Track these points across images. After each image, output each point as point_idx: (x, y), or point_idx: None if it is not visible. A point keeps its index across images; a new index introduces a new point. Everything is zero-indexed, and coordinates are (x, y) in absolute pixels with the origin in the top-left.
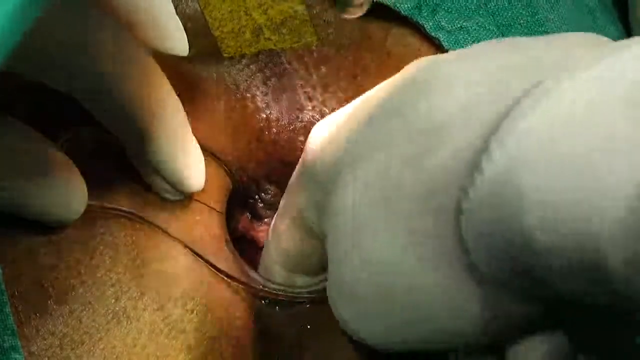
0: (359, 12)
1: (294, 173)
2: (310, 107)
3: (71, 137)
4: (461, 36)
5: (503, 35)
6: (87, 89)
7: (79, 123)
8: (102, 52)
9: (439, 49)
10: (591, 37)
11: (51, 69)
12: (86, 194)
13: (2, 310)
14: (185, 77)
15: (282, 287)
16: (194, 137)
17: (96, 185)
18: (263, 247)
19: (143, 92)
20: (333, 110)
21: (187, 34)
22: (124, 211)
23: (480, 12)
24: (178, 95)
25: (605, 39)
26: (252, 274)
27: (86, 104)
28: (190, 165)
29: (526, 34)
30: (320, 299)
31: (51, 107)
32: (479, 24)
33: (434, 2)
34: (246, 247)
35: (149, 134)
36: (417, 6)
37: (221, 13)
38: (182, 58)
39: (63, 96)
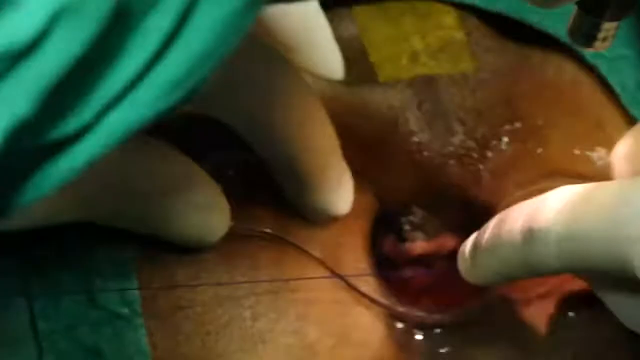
0: (604, 46)
1: None
2: (462, 132)
3: (216, 158)
4: (622, 64)
5: None
6: (240, 116)
7: (225, 145)
8: (258, 80)
9: (598, 77)
10: None
11: (207, 98)
12: (229, 217)
13: (136, 333)
14: (339, 101)
15: (424, 313)
16: (344, 162)
17: (238, 206)
18: (407, 269)
19: (297, 118)
20: (484, 136)
21: (343, 59)
22: (267, 232)
23: None
24: (331, 119)
25: None
26: (395, 297)
27: (236, 128)
28: (339, 189)
29: None
30: (459, 324)
31: (196, 128)
32: None
33: None
34: (391, 271)
35: (300, 161)
36: None
37: (379, 38)
38: (337, 82)
39: (208, 117)
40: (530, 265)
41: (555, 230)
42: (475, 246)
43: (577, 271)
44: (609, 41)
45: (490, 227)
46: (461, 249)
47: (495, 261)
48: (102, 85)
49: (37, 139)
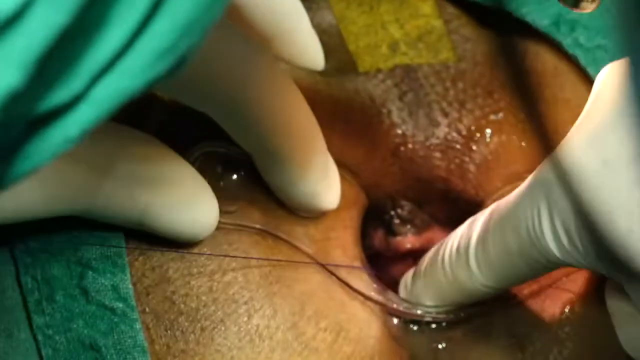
0: (591, 7)
1: None
2: (446, 124)
3: (202, 153)
4: (599, 54)
5: None
6: (221, 107)
7: (210, 139)
8: (235, 69)
9: (577, 66)
10: None
11: (185, 87)
12: (217, 210)
13: (132, 327)
14: (320, 91)
15: (418, 307)
16: (329, 154)
17: (228, 201)
18: (398, 263)
19: (277, 108)
20: (467, 128)
21: (322, 48)
22: (257, 228)
23: None
24: (313, 110)
25: None
26: (387, 292)
27: (219, 121)
28: (326, 182)
29: None
30: (455, 320)
31: (182, 122)
32: None
33: (573, 18)
34: (381, 264)
35: (284, 152)
36: (555, 23)
37: (357, 27)
38: (317, 72)
39: (193, 112)
40: (459, 282)
41: (473, 242)
42: (415, 274)
43: (498, 281)
44: (597, 2)
45: (428, 255)
46: (403, 278)
47: (431, 284)
48: (90, 54)
49: (29, 109)
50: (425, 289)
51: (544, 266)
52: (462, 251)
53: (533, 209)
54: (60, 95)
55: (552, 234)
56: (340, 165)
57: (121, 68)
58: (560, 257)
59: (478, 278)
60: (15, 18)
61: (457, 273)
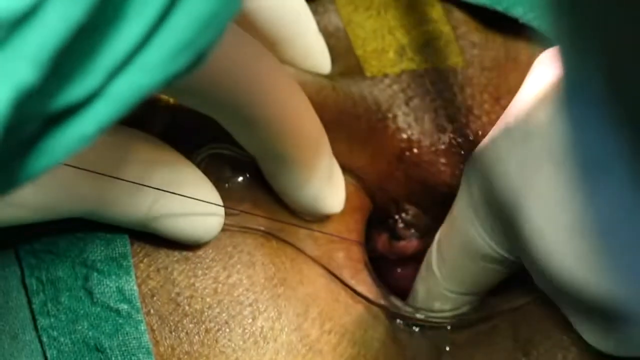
0: None
1: None
2: (451, 129)
3: (207, 155)
4: None
5: None
6: (225, 110)
7: (215, 141)
8: (241, 72)
9: None
10: None
11: (190, 90)
12: (223, 213)
13: (137, 328)
14: (326, 95)
15: (421, 310)
16: (334, 158)
17: (233, 203)
18: (401, 267)
19: (282, 112)
20: (474, 133)
21: (329, 52)
22: (262, 230)
23: None
24: (318, 114)
25: None
26: (391, 296)
27: (223, 123)
28: (330, 186)
29: None
30: (459, 324)
31: (187, 124)
32: None
33: None
34: (384, 268)
35: (288, 155)
36: None
37: (364, 32)
38: (323, 76)
39: (198, 114)
40: (429, 289)
41: (434, 246)
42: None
43: (458, 284)
44: None
45: None
46: None
47: (417, 292)
48: (106, 50)
49: (44, 106)
50: (417, 297)
51: (486, 262)
52: (427, 258)
53: (465, 197)
54: (76, 92)
55: (476, 217)
56: (345, 169)
57: (138, 64)
58: (493, 245)
59: (441, 282)
60: (30, 13)
61: (427, 280)
